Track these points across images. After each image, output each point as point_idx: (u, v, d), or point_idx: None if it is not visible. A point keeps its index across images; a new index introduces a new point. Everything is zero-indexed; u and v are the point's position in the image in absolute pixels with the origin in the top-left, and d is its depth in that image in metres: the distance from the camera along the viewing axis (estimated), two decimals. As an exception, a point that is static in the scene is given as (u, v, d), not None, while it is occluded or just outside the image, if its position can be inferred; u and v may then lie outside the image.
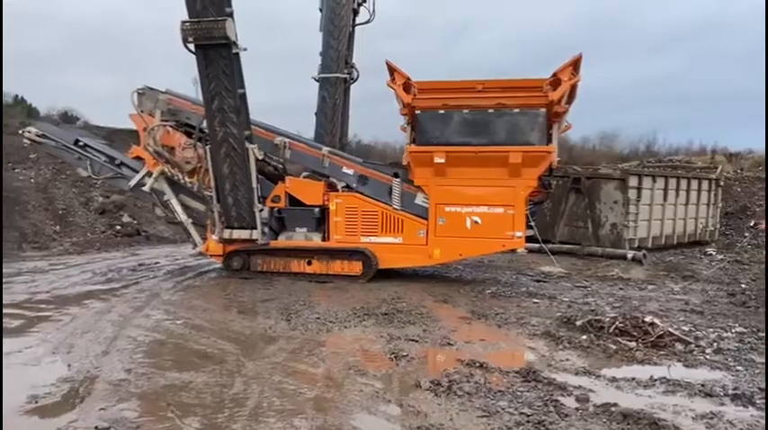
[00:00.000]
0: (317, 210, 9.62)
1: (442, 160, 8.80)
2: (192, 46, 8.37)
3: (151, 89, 10.09)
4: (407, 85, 8.88)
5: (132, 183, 10.02)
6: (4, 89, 36.19)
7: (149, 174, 9.82)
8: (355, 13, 11.65)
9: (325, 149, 9.80)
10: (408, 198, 9.32)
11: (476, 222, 8.93)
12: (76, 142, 10.36)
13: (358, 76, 11.82)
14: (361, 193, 9.50)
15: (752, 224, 17.12)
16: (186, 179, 9.73)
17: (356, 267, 9.32)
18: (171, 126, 9.71)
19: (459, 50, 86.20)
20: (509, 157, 8.53)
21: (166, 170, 9.73)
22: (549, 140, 8.70)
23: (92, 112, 43.52)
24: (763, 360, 5.24)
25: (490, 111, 8.71)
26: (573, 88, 8.65)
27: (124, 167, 10.23)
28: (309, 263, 9.52)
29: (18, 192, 14.32)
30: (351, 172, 9.60)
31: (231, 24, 8.19)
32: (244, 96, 8.84)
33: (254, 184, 9.23)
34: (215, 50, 8.36)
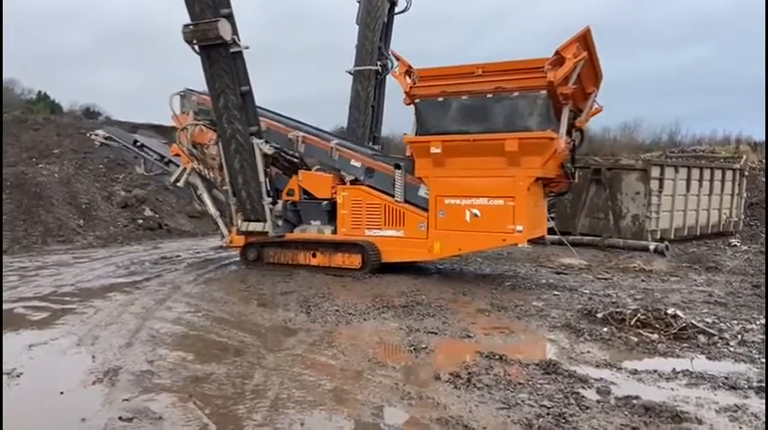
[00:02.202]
0: (325, 203, 9.66)
1: (438, 150, 8.44)
2: (197, 47, 8.73)
3: (190, 90, 10.54)
4: (409, 73, 8.63)
5: (172, 179, 10.59)
6: (29, 85, 37.05)
7: (185, 170, 10.26)
8: (392, 3, 11.62)
9: (334, 142, 9.78)
10: (412, 190, 9.06)
11: (475, 215, 8.44)
12: (135, 142, 11.22)
13: (392, 67, 11.74)
14: (369, 186, 9.39)
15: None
16: (212, 175, 10.07)
17: (356, 260, 9.17)
18: (204, 124, 9.95)
19: (491, 41, 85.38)
20: (505, 145, 7.97)
21: (195, 166, 10.14)
22: (558, 125, 8.16)
23: (113, 108, 44.15)
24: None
25: (489, 96, 8.18)
26: (593, 66, 8.24)
27: (171, 165, 10.86)
28: (314, 255, 9.53)
29: (42, 186, 14.57)
30: (358, 164, 9.54)
31: (225, 24, 8.48)
32: (247, 94, 9.06)
33: (262, 179, 9.39)
34: (216, 50, 8.70)
